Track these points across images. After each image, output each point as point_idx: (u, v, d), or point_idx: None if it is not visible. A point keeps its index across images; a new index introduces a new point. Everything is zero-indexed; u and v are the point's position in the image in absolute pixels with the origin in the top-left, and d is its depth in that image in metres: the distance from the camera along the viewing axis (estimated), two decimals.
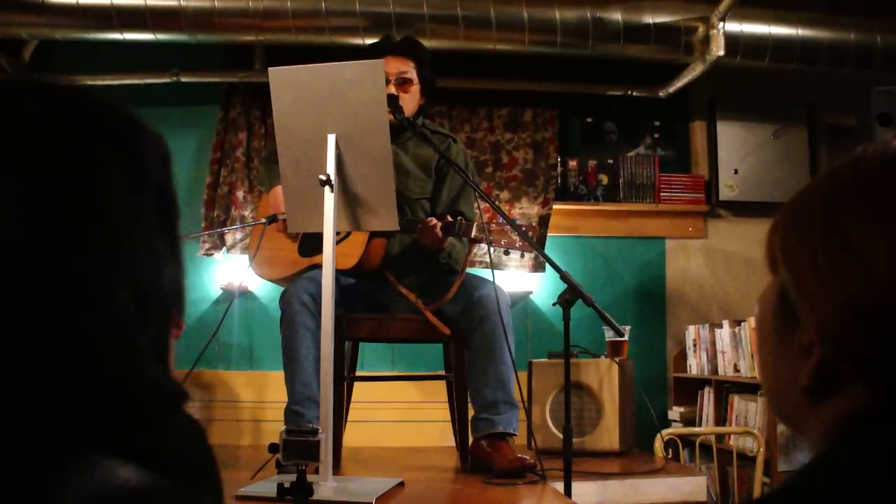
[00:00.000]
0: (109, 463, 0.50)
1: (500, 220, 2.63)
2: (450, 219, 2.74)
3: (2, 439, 0.49)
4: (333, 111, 2.26)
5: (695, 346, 4.43)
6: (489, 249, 2.66)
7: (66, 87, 0.64)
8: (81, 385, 0.53)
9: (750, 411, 3.87)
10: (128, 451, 0.52)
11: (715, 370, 4.21)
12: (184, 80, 4.43)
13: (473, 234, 2.69)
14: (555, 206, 4.61)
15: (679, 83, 4.42)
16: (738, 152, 4.77)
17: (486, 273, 2.80)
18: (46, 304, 0.53)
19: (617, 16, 4.04)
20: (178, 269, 0.66)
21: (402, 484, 2.38)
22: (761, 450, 3.23)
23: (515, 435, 2.73)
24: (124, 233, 0.59)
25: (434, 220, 2.72)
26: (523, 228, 2.61)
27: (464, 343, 2.79)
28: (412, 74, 2.91)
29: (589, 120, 4.84)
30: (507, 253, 2.68)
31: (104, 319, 0.55)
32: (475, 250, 2.92)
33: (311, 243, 2.91)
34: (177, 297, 0.66)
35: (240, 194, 4.45)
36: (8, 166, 0.56)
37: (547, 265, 3.06)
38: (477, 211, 3.08)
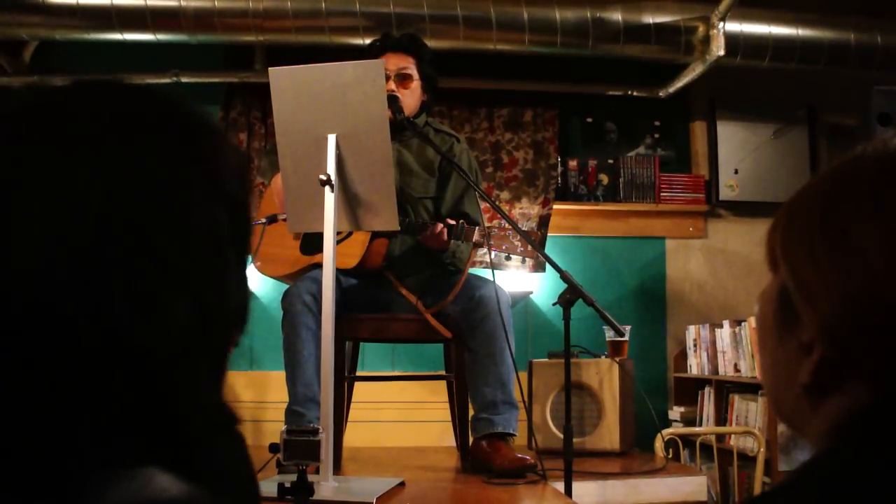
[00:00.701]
0: (149, 473, 0.50)
1: (503, 223, 2.63)
2: (451, 221, 2.74)
3: (45, 448, 0.49)
4: (334, 111, 2.26)
5: (695, 345, 4.43)
6: (490, 254, 2.66)
7: (151, 90, 0.63)
8: (132, 399, 0.52)
9: (750, 411, 3.87)
10: (171, 464, 0.51)
11: (715, 370, 4.21)
12: (184, 80, 4.43)
13: (475, 237, 2.69)
14: (555, 206, 4.62)
15: (679, 83, 4.42)
16: (739, 152, 4.77)
17: (486, 273, 2.80)
18: (108, 313, 0.52)
19: (617, 16, 4.04)
20: (245, 288, 0.65)
21: (402, 484, 2.38)
22: (762, 450, 3.23)
23: (515, 435, 2.73)
24: (198, 247, 0.57)
25: (440, 226, 2.71)
26: (525, 231, 2.61)
27: (464, 343, 2.79)
28: (412, 70, 2.91)
29: (589, 120, 4.84)
30: (508, 258, 2.67)
31: (162, 332, 0.54)
32: (477, 250, 2.91)
33: (312, 241, 2.91)
34: (240, 314, 0.64)
35: None
36: (85, 167, 0.54)
37: (547, 265, 3.06)
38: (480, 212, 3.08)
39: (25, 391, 0.49)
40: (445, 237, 2.71)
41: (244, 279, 0.65)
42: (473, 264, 3.54)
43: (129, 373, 0.52)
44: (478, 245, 2.74)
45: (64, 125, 0.56)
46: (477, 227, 2.70)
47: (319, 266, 2.78)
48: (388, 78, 2.78)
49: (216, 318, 0.59)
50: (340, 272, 2.61)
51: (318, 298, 2.67)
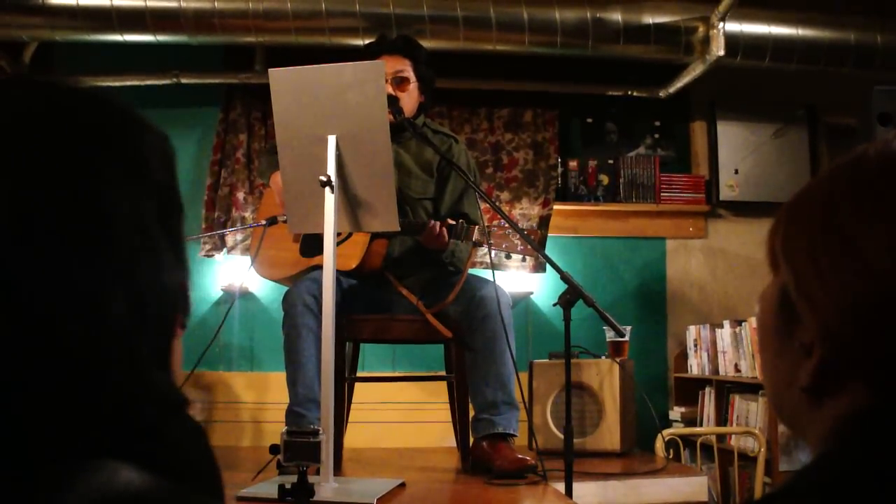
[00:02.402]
0: (112, 466, 0.50)
1: (502, 223, 2.63)
2: (451, 221, 2.74)
3: (1, 447, 0.49)
4: (334, 112, 2.26)
5: (696, 346, 4.43)
6: (490, 253, 2.66)
7: (63, 84, 0.62)
8: (75, 391, 0.52)
9: (751, 411, 3.87)
10: (129, 455, 0.51)
11: (716, 370, 4.21)
12: (184, 81, 4.44)
13: (475, 237, 2.69)
14: (555, 207, 4.62)
15: (679, 83, 4.42)
16: (739, 152, 4.77)
17: (487, 273, 2.80)
18: (40, 312, 0.52)
19: (617, 16, 4.04)
20: (182, 272, 0.65)
21: (403, 485, 2.38)
22: (762, 450, 3.23)
23: (515, 436, 2.73)
24: (122, 236, 0.57)
25: (438, 226, 2.71)
26: (524, 230, 2.61)
27: (465, 344, 2.79)
28: (409, 73, 2.91)
29: (589, 120, 4.84)
30: (508, 257, 2.67)
31: (100, 326, 0.54)
32: (477, 251, 2.92)
33: (312, 243, 2.91)
34: (180, 299, 0.64)
35: (240, 195, 4.46)
36: (3, 165, 0.54)
37: (548, 266, 3.06)
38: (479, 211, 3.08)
39: None
40: (444, 237, 2.71)
41: (181, 263, 0.65)
42: (473, 264, 3.55)
43: (70, 368, 0.52)
44: (478, 244, 2.74)
45: None
46: (477, 227, 2.70)
47: (319, 268, 2.78)
48: (385, 81, 2.77)
49: (152, 306, 0.59)
50: (340, 273, 2.61)
51: (318, 299, 2.67)
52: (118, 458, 0.51)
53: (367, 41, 3.67)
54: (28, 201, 0.54)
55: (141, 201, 0.60)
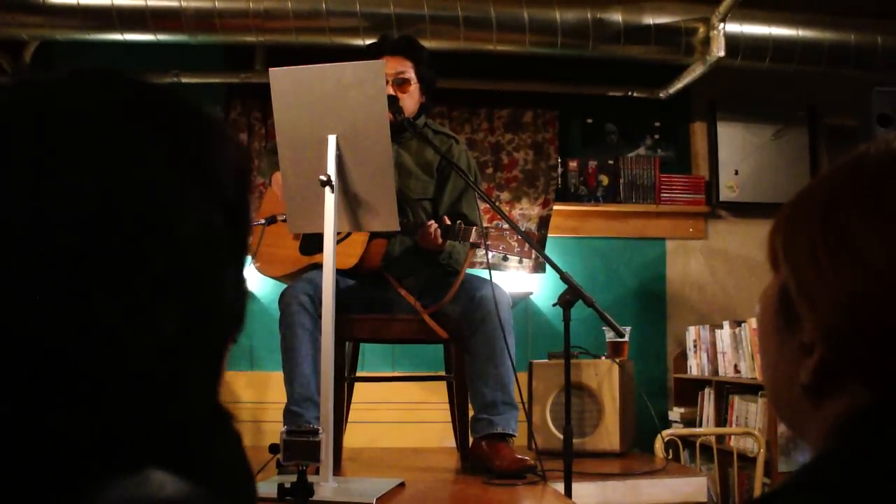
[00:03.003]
0: (145, 472, 0.50)
1: (500, 224, 2.63)
2: (448, 222, 2.74)
3: (39, 450, 0.49)
4: (334, 112, 2.26)
5: (695, 346, 4.43)
6: (486, 254, 2.65)
7: (147, 83, 0.60)
8: (121, 401, 0.51)
9: (750, 412, 3.87)
10: (166, 464, 0.51)
11: (715, 371, 4.21)
12: (184, 80, 4.43)
13: (472, 238, 2.69)
14: (555, 207, 4.62)
15: (679, 84, 4.42)
16: (739, 153, 4.77)
17: (485, 274, 2.80)
18: (93, 318, 0.51)
19: (617, 17, 4.04)
20: (241, 290, 0.63)
21: (402, 484, 2.37)
22: (762, 451, 3.23)
23: (514, 436, 2.73)
24: (188, 252, 0.55)
25: (434, 225, 2.71)
26: (523, 231, 2.61)
27: (464, 344, 2.79)
28: (410, 74, 2.91)
29: (589, 121, 4.84)
30: (505, 258, 2.67)
31: (152, 338, 0.53)
32: (476, 251, 2.92)
33: (312, 241, 2.91)
34: (237, 316, 0.63)
35: None
36: (69, 169, 0.52)
37: (547, 266, 3.06)
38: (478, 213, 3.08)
39: (15, 398, 0.49)
40: (439, 237, 2.71)
41: (241, 283, 0.63)
42: (473, 265, 3.55)
43: (119, 379, 0.51)
44: (475, 245, 2.74)
45: (47, 122, 0.54)
46: (474, 228, 2.70)
47: (318, 266, 2.78)
48: (386, 82, 2.77)
49: (209, 324, 0.58)
50: (338, 272, 2.61)
51: (313, 299, 2.67)
52: (155, 466, 0.51)
53: (367, 41, 3.67)
54: (96, 207, 0.52)
55: (212, 217, 0.58)
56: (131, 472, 0.49)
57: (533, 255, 4.38)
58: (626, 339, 3.60)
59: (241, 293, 0.63)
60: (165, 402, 0.54)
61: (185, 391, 0.56)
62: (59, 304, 0.50)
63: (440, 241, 2.72)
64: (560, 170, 4.70)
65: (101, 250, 0.51)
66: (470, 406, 2.80)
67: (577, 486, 2.50)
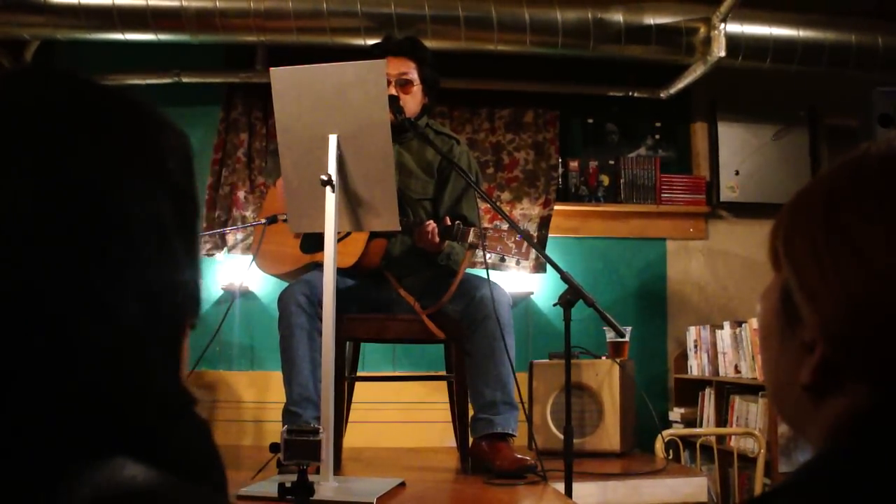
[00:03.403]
0: (116, 461, 0.50)
1: (499, 224, 2.63)
2: (448, 222, 2.74)
3: (8, 443, 0.49)
4: (335, 111, 2.26)
5: (696, 347, 4.43)
6: (484, 255, 2.66)
7: (84, 79, 0.61)
8: (83, 389, 0.52)
9: (751, 412, 3.87)
10: (135, 451, 0.52)
11: (716, 371, 4.21)
12: (185, 80, 4.44)
13: (470, 238, 2.69)
14: (556, 207, 4.62)
15: (680, 84, 4.42)
16: (739, 153, 4.77)
17: (485, 274, 2.80)
18: (52, 309, 0.52)
19: (618, 17, 4.04)
20: (194, 274, 0.64)
21: (403, 484, 2.38)
22: (762, 451, 3.23)
23: (514, 436, 2.73)
24: (137, 237, 0.56)
25: (432, 225, 2.72)
26: (524, 230, 2.61)
27: (464, 344, 2.79)
28: (413, 75, 2.91)
29: (590, 121, 4.84)
30: (503, 259, 2.67)
31: (110, 327, 0.54)
32: (474, 252, 2.92)
33: (312, 240, 2.91)
34: (192, 301, 0.64)
35: (241, 195, 4.46)
36: (12, 162, 0.53)
37: (548, 266, 3.06)
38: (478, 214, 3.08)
39: None
40: (437, 237, 2.71)
41: (194, 266, 0.64)
42: (473, 265, 3.55)
43: (79, 368, 0.52)
44: (473, 246, 2.74)
45: None
46: (472, 228, 2.70)
47: (318, 265, 2.79)
48: (389, 83, 2.78)
49: (165, 308, 0.59)
50: (337, 272, 2.61)
51: (311, 299, 2.68)
52: (124, 455, 0.51)
53: (368, 41, 3.68)
54: (43, 195, 0.53)
55: (158, 202, 0.59)
56: (101, 463, 0.50)
57: (532, 256, 4.38)
58: (627, 339, 3.60)
59: (193, 277, 0.64)
60: (128, 388, 0.54)
61: (146, 376, 0.56)
62: (15, 296, 0.51)
63: (437, 240, 2.72)
64: (561, 170, 4.70)
65: (51, 242, 0.52)
66: (470, 406, 2.80)
67: (577, 487, 2.50)
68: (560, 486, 2.45)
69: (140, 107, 0.63)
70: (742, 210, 4.78)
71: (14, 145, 0.54)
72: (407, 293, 2.89)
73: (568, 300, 2.40)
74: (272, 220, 2.90)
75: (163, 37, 3.94)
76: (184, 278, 0.62)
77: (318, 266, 2.76)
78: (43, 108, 0.57)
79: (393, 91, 2.82)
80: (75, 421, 0.51)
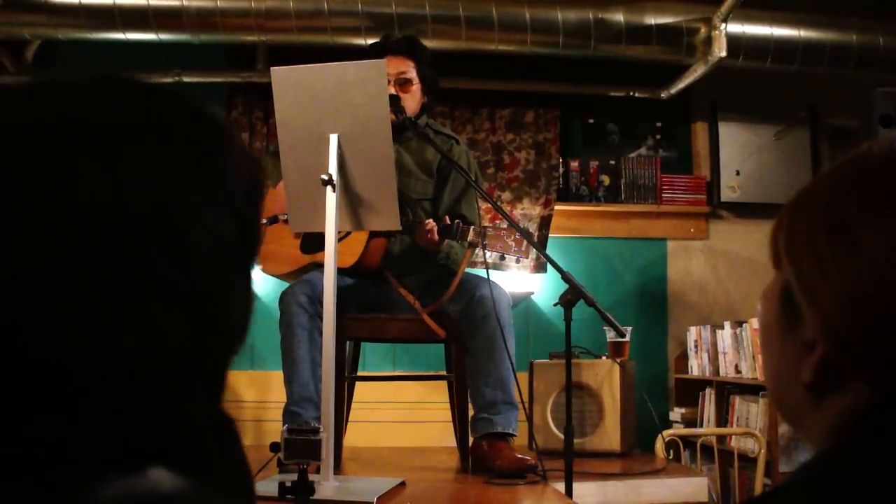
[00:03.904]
0: (149, 471, 0.50)
1: (499, 223, 2.63)
2: (447, 221, 2.74)
3: (35, 447, 0.49)
4: (335, 111, 2.26)
5: (696, 347, 4.43)
6: (484, 254, 2.66)
7: (160, 89, 0.61)
8: (124, 406, 0.51)
9: (751, 412, 3.87)
10: (162, 459, 0.51)
11: (716, 371, 4.21)
12: (186, 80, 4.44)
13: (470, 237, 2.69)
14: (556, 207, 4.62)
15: (681, 84, 4.42)
16: (740, 153, 4.77)
17: (486, 273, 2.80)
18: (95, 322, 0.51)
19: (619, 17, 4.04)
20: (249, 300, 0.63)
21: (403, 484, 2.38)
22: (762, 451, 3.23)
23: (515, 435, 2.73)
24: (196, 259, 0.55)
25: (431, 224, 2.72)
26: (524, 229, 2.61)
27: (464, 343, 2.79)
28: (412, 74, 2.91)
29: (591, 121, 4.85)
30: (502, 258, 2.67)
31: (154, 347, 0.53)
32: (474, 251, 2.92)
33: (312, 240, 2.91)
34: (241, 326, 0.63)
35: None
36: (80, 173, 0.52)
37: (549, 266, 3.06)
38: (477, 213, 3.08)
39: (16, 400, 0.49)
40: (436, 236, 2.71)
41: (248, 291, 0.63)
42: (474, 264, 3.55)
43: (120, 384, 0.51)
44: (473, 245, 2.74)
45: (60, 128, 0.54)
46: (472, 227, 2.70)
47: (318, 265, 2.79)
48: (388, 82, 2.78)
49: (215, 332, 0.58)
50: (338, 271, 2.61)
51: (312, 299, 2.68)
52: (151, 461, 0.51)
53: (369, 41, 3.67)
54: (106, 212, 0.52)
55: (222, 226, 0.58)
56: (131, 472, 0.50)
57: (533, 255, 4.38)
58: (627, 339, 3.60)
59: (247, 302, 0.63)
60: (167, 406, 0.54)
61: (187, 397, 0.55)
62: (62, 305, 0.50)
63: (437, 239, 2.72)
64: (561, 170, 4.70)
65: (106, 253, 0.51)
66: (470, 405, 2.80)
67: (577, 486, 2.50)
68: (560, 486, 2.45)
69: (214, 122, 0.62)
70: (743, 210, 4.78)
71: (80, 157, 0.53)
72: (407, 292, 2.89)
73: (568, 300, 2.40)
74: (273, 220, 2.90)
75: (164, 36, 3.95)
76: (238, 302, 0.61)
77: (319, 266, 2.75)
78: (115, 120, 0.56)
79: (392, 90, 2.82)
80: (110, 431, 0.51)
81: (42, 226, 0.51)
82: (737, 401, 4.02)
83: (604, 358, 3.52)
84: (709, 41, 4.00)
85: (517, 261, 2.74)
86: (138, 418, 0.52)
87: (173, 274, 0.54)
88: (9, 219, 0.50)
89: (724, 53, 3.95)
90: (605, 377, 3.40)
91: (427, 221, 2.73)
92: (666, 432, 3.40)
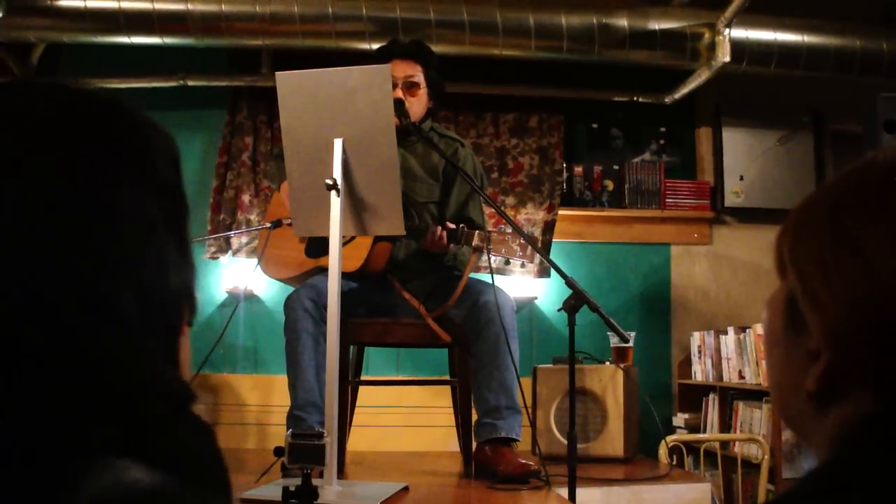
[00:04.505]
0: (119, 464, 0.50)
1: (503, 228, 2.64)
2: (452, 225, 2.75)
3: (10, 444, 0.49)
4: (340, 115, 2.26)
5: (700, 352, 4.42)
6: (489, 258, 2.66)
7: (68, 86, 0.63)
8: (86, 389, 0.52)
9: (755, 418, 3.87)
10: (137, 451, 0.52)
11: (720, 377, 4.20)
12: (190, 83, 4.45)
13: (475, 242, 2.69)
14: (560, 212, 4.62)
15: (685, 89, 4.42)
16: (744, 159, 4.77)
17: (490, 278, 2.80)
18: (48, 310, 0.53)
19: (623, 22, 4.04)
20: (188, 270, 0.66)
21: (406, 488, 2.38)
22: (766, 457, 3.22)
23: (518, 440, 2.73)
24: (128, 235, 0.58)
25: (439, 230, 2.72)
26: (528, 234, 2.61)
27: (468, 348, 2.79)
28: (419, 78, 2.91)
29: (595, 126, 4.85)
30: (507, 262, 2.67)
31: (108, 323, 0.55)
32: (479, 255, 2.92)
33: (317, 244, 2.92)
34: (187, 297, 0.65)
35: (246, 198, 4.46)
36: (7, 167, 0.55)
37: (552, 271, 3.06)
38: (483, 217, 3.08)
39: None
40: (444, 241, 2.71)
41: (188, 262, 0.66)
42: (478, 269, 3.54)
43: (76, 365, 0.52)
44: (478, 249, 2.74)
45: None
46: (477, 232, 2.70)
47: (323, 269, 2.79)
48: (395, 86, 2.78)
49: (160, 305, 0.60)
50: (342, 276, 2.61)
51: (317, 303, 2.68)
52: (126, 456, 0.51)
53: (373, 45, 3.68)
54: (35, 200, 0.55)
55: (147, 201, 0.61)
56: (103, 465, 0.50)
57: (536, 260, 4.38)
58: (631, 344, 3.60)
59: (187, 272, 0.65)
60: (125, 384, 0.54)
61: (143, 372, 0.56)
62: (10, 297, 0.52)
63: (445, 243, 2.73)
64: (565, 175, 4.70)
65: (42, 242, 0.54)
66: (473, 410, 2.80)
67: (580, 492, 2.49)
68: (563, 492, 2.45)
69: (125, 109, 0.65)
70: (746, 215, 4.78)
71: (10, 147, 0.56)
72: (411, 297, 2.89)
73: (572, 305, 2.39)
74: (277, 224, 2.90)
75: (168, 40, 3.96)
76: (178, 275, 0.63)
77: (323, 270, 2.76)
78: (30, 115, 0.59)
79: (399, 93, 2.82)
80: (73, 419, 0.51)
81: None
82: (740, 406, 4.01)
83: (607, 363, 3.51)
84: (713, 46, 4.00)
85: (522, 265, 2.73)
86: (98, 400, 0.53)
87: (109, 252, 0.57)
88: None
89: (727, 59, 3.95)
90: (609, 382, 3.40)
91: (435, 228, 2.73)
92: (669, 438, 3.40)
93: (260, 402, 4.30)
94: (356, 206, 2.35)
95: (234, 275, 4.42)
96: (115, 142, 0.62)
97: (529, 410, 3.17)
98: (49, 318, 0.52)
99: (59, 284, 0.54)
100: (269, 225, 2.94)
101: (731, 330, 4.12)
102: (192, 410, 0.60)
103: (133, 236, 0.59)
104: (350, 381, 3.02)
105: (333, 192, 2.22)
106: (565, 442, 2.49)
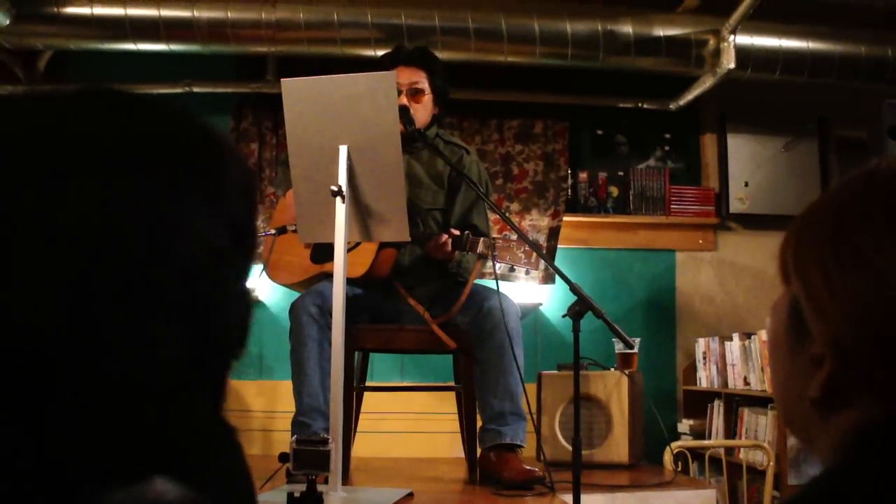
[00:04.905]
0: (150, 481, 0.50)
1: (508, 235, 2.64)
2: (456, 232, 2.75)
3: (41, 464, 0.49)
4: (345, 122, 2.27)
5: (705, 358, 4.42)
6: (494, 265, 2.66)
7: (155, 102, 0.60)
8: (124, 417, 0.52)
9: (760, 424, 3.86)
10: (165, 470, 0.52)
11: (725, 383, 4.19)
12: (196, 90, 4.46)
13: (479, 249, 2.70)
14: (565, 218, 4.62)
15: (690, 96, 4.43)
16: (749, 165, 4.76)
17: (495, 285, 2.80)
18: (93, 336, 0.51)
19: (628, 28, 4.05)
20: (246, 310, 0.63)
21: (410, 495, 2.37)
22: (771, 463, 3.21)
23: (523, 446, 2.72)
24: (191, 274, 0.55)
25: (445, 237, 2.72)
26: (533, 241, 2.61)
27: (473, 354, 2.79)
28: (424, 85, 2.92)
29: (599, 132, 4.85)
30: (512, 269, 2.67)
31: (154, 363, 0.53)
32: (484, 262, 2.92)
33: (322, 250, 2.92)
34: (239, 334, 0.63)
35: None
36: (75, 192, 0.52)
37: (557, 277, 3.05)
38: (488, 224, 3.08)
39: (19, 412, 0.49)
40: (449, 247, 2.72)
41: (245, 300, 0.63)
42: (482, 276, 3.55)
43: (121, 396, 0.51)
44: (483, 256, 2.74)
45: (56, 145, 0.54)
46: (482, 239, 2.70)
47: (328, 275, 2.79)
48: (400, 92, 2.79)
49: (213, 344, 0.58)
50: (347, 281, 2.62)
51: (322, 309, 2.68)
52: (155, 472, 0.51)
53: (379, 52, 3.69)
54: (100, 230, 0.52)
55: (217, 238, 0.58)
56: (135, 481, 0.50)
57: (541, 266, 4.38)
58: (636, 350, 3.59)
59: (244, 311, 0.63)
60: (169, 416, 0.54)
61: (188, 407, 0.56)
62: (63, 318, 0.50)
63: (449, 249, 2.73)
64: (570, 181, 4.71)
65: (104, 268, 0.51)
66: (478, 416, 2.80)
67: (585, 498, 2.49)
68: (568, 498, 2.44)
69: (209, 133, 0.62)
70: (751, 221, 4.78)
71: (75, 175, 0.53)
72: (416, 303, 2.89)
73: (577, 311, 2.39)
74: (282, 230, 2.91)
75: (174, 47, 3.97)
76: (234, 311, 0.61)
77: (328, 276, 2.76)
78: (109, 135, 0.56)
79: (404, 100, 2.83)
80: (113, 442, 0.51)
81: (41, 240, 0.51)
82: (745, 413, 4.01)
83: (612, 369, 3.51)
84: (717, 53, 4.00)
85: (526, 273, 2.73)
86: (141, 428, 0.52)
87: (170, 287, 0.54)
88: (8, 236, 0.51)
89: (732, 65, 3.95)
90: (614, 388, 3.39)
91: (440, 235, 2.74)
92: (674, 444, 3.39)
93: (265, 407, 4.30)
94: (361, 213, 2.36)
95: None
96: (190, 168, 0.59)
97: (534, 416, 3.17)
98: (93, 343, 0.51)
99: (109, 320, 0.51)
100: (273, 231, 2.95)
101: (736, 336, 4.11)
102: (229, 437, 0.59)
103: (196, 274, 0.56)
104: (355, 387, 3.02)
105: (338, 199, 2.22)
106: (570, 448, 2.49)
